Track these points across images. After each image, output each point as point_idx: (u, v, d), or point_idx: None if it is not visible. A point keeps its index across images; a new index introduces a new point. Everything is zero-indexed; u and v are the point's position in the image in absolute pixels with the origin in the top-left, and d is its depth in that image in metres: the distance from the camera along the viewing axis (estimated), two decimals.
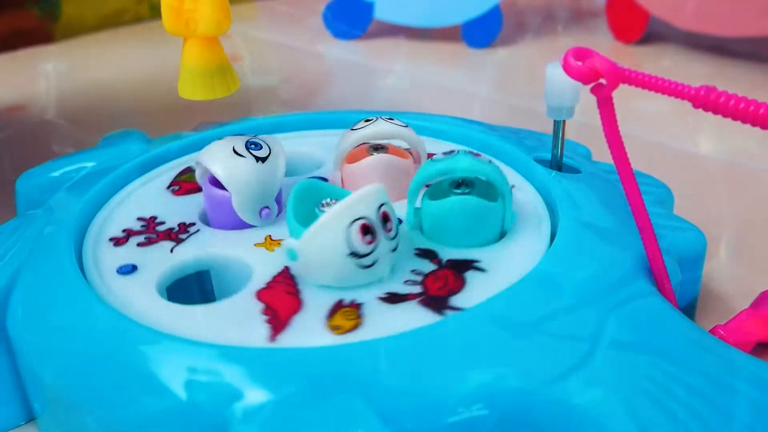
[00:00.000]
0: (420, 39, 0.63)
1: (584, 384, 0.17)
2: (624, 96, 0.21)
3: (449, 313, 0.19)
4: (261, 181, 0.23)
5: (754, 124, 0.17)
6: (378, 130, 0.25)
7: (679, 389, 0.17)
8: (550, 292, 0.20)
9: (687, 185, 0.37)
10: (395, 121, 0.25)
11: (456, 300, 0.20)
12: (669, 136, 0.43)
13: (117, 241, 0.23)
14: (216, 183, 0.23)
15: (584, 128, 0.30)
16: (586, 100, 0.23)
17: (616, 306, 0.20)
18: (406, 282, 0.21)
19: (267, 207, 0.23)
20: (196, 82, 0.23)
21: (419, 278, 0.21)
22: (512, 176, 0.26)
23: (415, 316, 0.19)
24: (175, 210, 0.25)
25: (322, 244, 0.20)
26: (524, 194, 0.25)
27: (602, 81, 0.19)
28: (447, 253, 0.22)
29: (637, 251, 0.22)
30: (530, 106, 0.49)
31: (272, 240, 0.23)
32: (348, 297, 0.20)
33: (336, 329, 0.19)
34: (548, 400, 0.17)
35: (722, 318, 0.26)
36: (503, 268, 0.21)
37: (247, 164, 0.23)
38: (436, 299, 0.20)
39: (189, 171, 0.27)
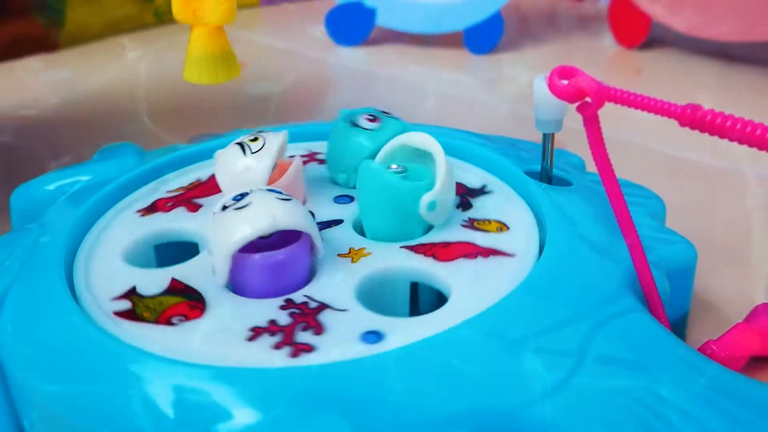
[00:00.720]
0: (422, 45, 0.63)
1: (567, 402, 0.17)
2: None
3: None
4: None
5: (741, 142, 0.17)
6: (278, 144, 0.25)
7: (664, 408, 0.17)
8: (535, 307, 0.20)
9: (681, 193, 0.37)
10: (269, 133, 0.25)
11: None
12: (662, 143, 0.43)
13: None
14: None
15: (579, 135, 0.30)
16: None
17: (602, 322, 0.20)
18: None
19: None
20: (201, 68, 0.25)
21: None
22: (502, 189, 0.26)
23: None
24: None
25: (450, 182, 0.23)
26: (513, 207, 0.25)
27: (588, 99, 0.19)
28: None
29: (627, 265, 0.22)
30: (532, 113, 0.49)
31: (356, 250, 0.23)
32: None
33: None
34: (531, 420, 0.17)
35: (716, 330, 0.26)
36: (479, 293, 0.21)
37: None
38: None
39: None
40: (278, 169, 0.25)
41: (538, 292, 0.21)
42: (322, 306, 0.20)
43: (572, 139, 0.28)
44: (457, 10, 0.61)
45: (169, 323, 0.20)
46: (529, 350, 0.19)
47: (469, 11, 0.61)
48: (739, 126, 0.17)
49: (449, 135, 0.30)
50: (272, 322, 0.20)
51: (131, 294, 0.21)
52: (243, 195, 0.21)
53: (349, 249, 0.23)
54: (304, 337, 0.19)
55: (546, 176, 0.26)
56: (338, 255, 0.23)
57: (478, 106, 0.52)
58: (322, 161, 0.29)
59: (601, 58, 0.61)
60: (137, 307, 0.21)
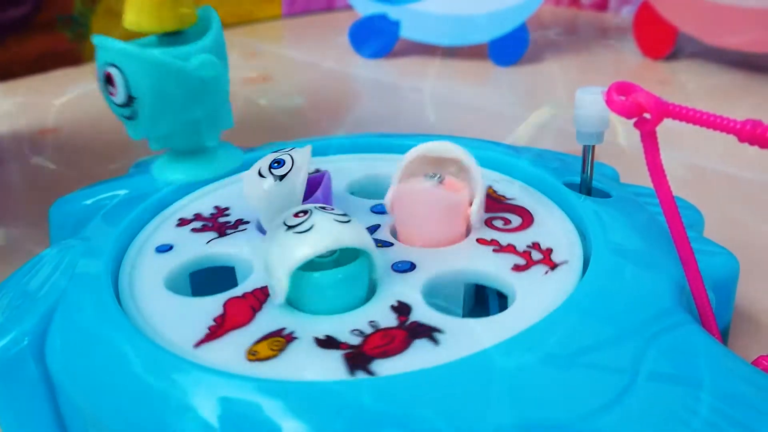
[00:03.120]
0: (446, 57, 0.63)
1: (623, 418, 0.17)
2: None
3: (359, 374, 0.18)
4: (280, 197, 0.23)
5: None
6: (435, 148, 0.25)
7: (722, 423, 0.17)
8: (586, 322, 0.20)
9: (718, 205, 0.37)
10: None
11: (382, 364, 0.19)
12: (699, 155, 0.43)
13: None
14: None
15: (611, 148, 0.30)
16: (612, 122, 0.23)
17: (654, 336, 0.19)
18: (352, 331, 0.20)
19: None
20: (142, 10, 0.21)
21: (367, 332, 0.20)
22: (542, 201, 0.26)
23: (328, 366, 0.19)
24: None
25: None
26: (554, 220, 0.25)
27: (646, 115, 0.19)
28: (422, 313, 0.21)
29: (673, 277, 0.22)
30: (557, 124, 0.48)
31: None
32: (292, 328, 0.20)
33: (251, 354, 0.19)
34: None
35: (757, 342, 0.26)
36: (535, 298, 0.21)
37: (266, 184, 0.24)
38: (361, 356, 0.19)
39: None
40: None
41: (586, 307, 0.20)
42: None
43: (602, 152, 0.28)
44: (482, 22, 0.61)
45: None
46: (581, 367, 0.18)
47: (493, 24, 0.61)
48: None
49: (483, 147, 0.30)
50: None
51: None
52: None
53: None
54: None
55: (585, 188, 0.26)
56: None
57: (503, 118, 0.52)
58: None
59: (626, 69, 0.61)
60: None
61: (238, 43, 0.71)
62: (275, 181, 0.24)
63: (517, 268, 0.22)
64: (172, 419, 0.18)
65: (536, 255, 0.23)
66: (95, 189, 0.30)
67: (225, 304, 0.21)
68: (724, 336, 0.26)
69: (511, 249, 0.23)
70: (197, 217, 0.26)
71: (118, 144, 0.49)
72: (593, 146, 0.25)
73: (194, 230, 0.26)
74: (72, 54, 0.65)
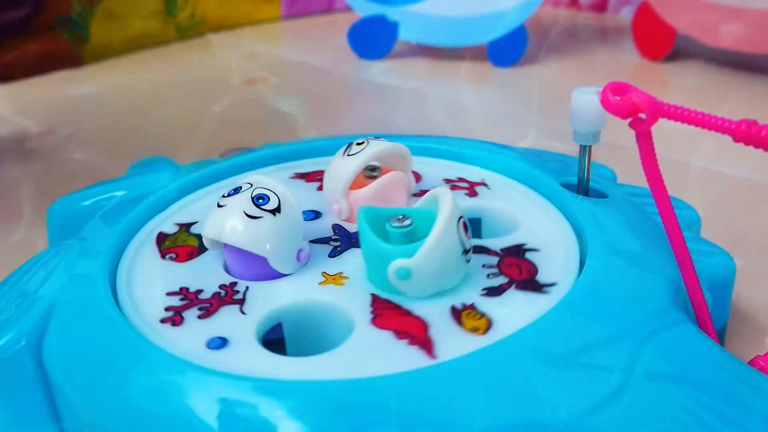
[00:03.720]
0: (445, 59, 0.64)
1: (618, 416, 0.17)
2: None
3: (550, 290, 0.21)
4: (287, 231, 0.22)
5: None
6: (374, 152, 0.25)
7: (717, 422, 0.17)
8: (582, 321, 0.20)
9: (714, 205, 0.37)
10: (382, 140, 0.25)
11: (542, 278, 0.21)
12: (696, 155, 0.43)
13: (173, 322, 0.21)
14: None
15: (609, 148, 0.30)
16: (610, 122, 0.23)
17: (650, 335, 0.19)
18: (488, 276, 0.22)
19: (301, 249, 0.23)
20: None
21: (494, 270, 0.22)
22: (538, 201, 0.26)
23: (525, 300, 0.21)
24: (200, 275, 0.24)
25: (444, 250, 0.20)
26: (551, 220, 0.25)
27: (641, 115, 0.19)
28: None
29: (669, 277, 0.22)
30: (557, 125, 0.49)
31: (331, 275, 0.23)
32: (452, 302, 0.21)
33: (475, 330, 0.20)
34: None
35: (753, 342, 0.26)
36: (531, 297, 0.21)
37: (267, 223, 0.22)
38: (527, 282, 0.21)
39: (180, 229, 0.26)
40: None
41: (582, 306, 0.20)
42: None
43: (599, 153, 0.28)
44: (481, 23, 0.61)
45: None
46: (577, 366, 0.18)
47: (492, 25, 0.61)
48: None
49: (481, 147, 0.30)
50: None
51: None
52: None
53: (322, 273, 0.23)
54: None
55: (582, 188, 0.26)
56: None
57: (502, 119, 0.52)
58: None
59: (625, 70, 0.61)
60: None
61: (237, 45, 0.71)
62: (274, 216, 0.22)
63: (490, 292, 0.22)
64: (169, 419, 0.18)
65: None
66: (93, 190, 0.30)
67: (379, 325, 0.21)
68: (720, 336, 0.26)
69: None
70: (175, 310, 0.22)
71: (116, 146, 0.49)
72: (590, 146, 0.25)
73: (201, 317, 0.22)
74: (70, 56, 0.65)
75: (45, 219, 0.30)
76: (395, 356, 0.19)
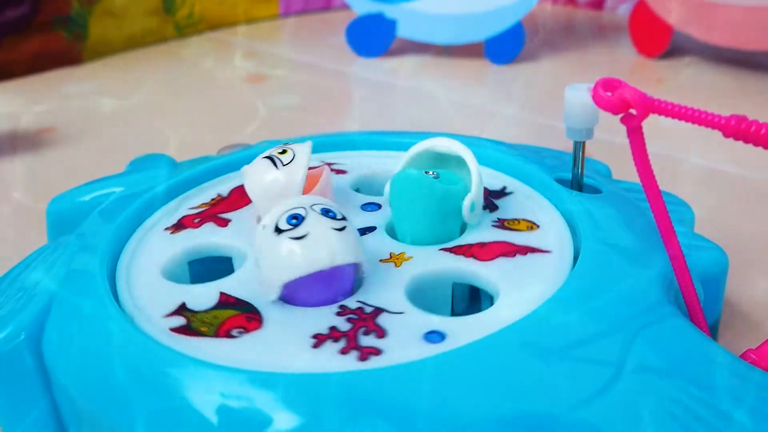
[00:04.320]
0: (443, 56, 0.64)
1: (609, 409, 0.17)
2: None
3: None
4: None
5: None
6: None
7: (708, 414, 0.17)
8: (574, 315, 0.20)
9: (708, 201, 0.37)
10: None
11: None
12: (690, 151, 0.43)
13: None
14: None
15: (604, 145, 0.30)
16: (605, 118, 0.23)
17: (641, 329, 0.19)
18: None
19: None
20: None
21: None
22: (533, 197, 0.26)
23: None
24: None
25: (481, 183, 0.24)
26: (546, 215, 0.25)
27: (632, 111, 0.19)
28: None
29: (661, 271, 0.22)
30: (554, 122, 0.49)
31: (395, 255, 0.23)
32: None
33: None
34: (574, 425, 0.17)
35: (746, 336, 0.26)
36: (524, 291, 0.21)
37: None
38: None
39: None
40: (308, 179, 0.25)
41: (575, 300, 0.21)
42: (378, 310, 0.21)
43: (595, 149, 0.29)
44: (478, 21, 0.61)
45: (229, 335, 0.20)
46: (569, 360, 0.19)
47: (489, 22, 0.61)
48: None
49: (478, 144, 0.30)
50: (333, 328, 0.20)
51: (183, 310, 0.21)
52: (297, 217, 0.21)
53: (390, 254, 0.23)
54: (367, 340, 0.19)
55: (577, 184, 0.26)
56: (381, 261, 0.23)
57: (500, 115, 0.52)
58: (338, 171, 0.29)
59: (622, 67, 0.61)
60: (192, 323, 0.21)
61: (235, 43, 0.71)
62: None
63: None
64: (168, 413, 0.18)
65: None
66: (92, 186, 0.30)
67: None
68: (713, 330, 0.26)
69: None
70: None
71: (115, 143, 0.49)
72: (583, 142, 0.26)
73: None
74: (69, 54, 0.65)
75: (44, 215, 0.30)
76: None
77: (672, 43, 0.61)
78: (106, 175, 0.31)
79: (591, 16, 0.77)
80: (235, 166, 0.30)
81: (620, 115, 0.19)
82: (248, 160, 0.30)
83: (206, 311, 0.21)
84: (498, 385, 0.18)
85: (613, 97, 0.19)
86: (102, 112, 0.55)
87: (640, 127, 0.19)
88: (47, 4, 0.63)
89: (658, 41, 0.61)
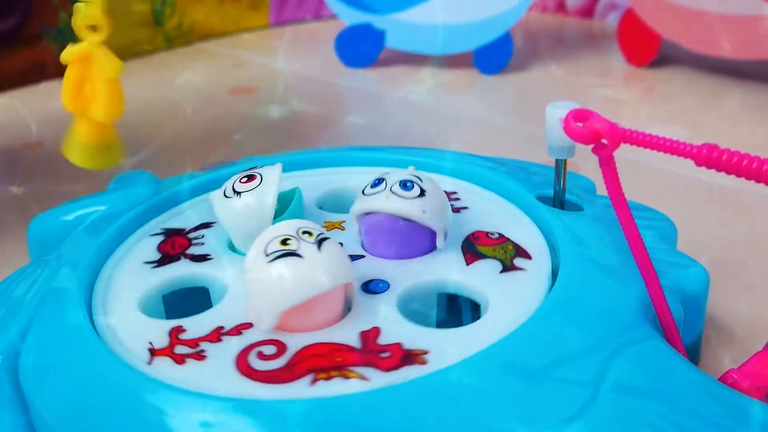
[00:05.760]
0: (432, 66, 0.64)
1: (586, 430, 0.17)
2: (634, 122, 0.21)
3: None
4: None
5: (758, 181, 0.17)
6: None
7: None
8: (550, 336, 0.20)
9: (693, 213, 0.37)
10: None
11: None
12: (675, 163, 0.43)
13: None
14: None
15: (589, 158, 0.30)
16: None
17: (618, 350, 0.20)
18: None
19: None
20: (81, 153, 0.26)
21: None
22: (514, 213, 0.26)
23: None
24: None
25: None
26: (526, 232, 0.25)
27: (603, 141, 0.19)
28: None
29: (641, 291, 0.22)
30: (543, 133, 0.49)
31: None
32: None
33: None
34: None
35: (730, 354, 0.26)
36: (504, 311, 0.21)
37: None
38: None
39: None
40: None
41: (553, 320, 0.21)
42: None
43: (584, 162, 0.29)
44: (467, 31, 0.61)
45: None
46: (546, 380, 0.19)
47: (478, 32, 0.61)
48: (755, 165, 0.17)
49: (462, 160, 0.30)
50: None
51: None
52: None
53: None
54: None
55: (558, 201, 0.26)
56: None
57: (489, 126, 0.52)
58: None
59: (611, 76, 0.61)
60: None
61: (224, 54, 0.71)
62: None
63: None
64: None
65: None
66: (73, 205, 0.30)
67: None
68: (695, 348, 0.26)
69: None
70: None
71: None
72: (565, 160, 0.26)
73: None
74: (58, 67, 0.65)
75: (26, 234, 0.30)
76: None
77: (660, 52, 0.61)
78: (95, 191, 0.31)
79: (580, 24, 0.77)
80: (216, 183, 0.29)
81: (591, 146, 0.19)
82: (230, 176, 0.29)
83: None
84: (477, 409, 0.18)
85: (584, 127, 0.19)
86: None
87: (612, 157, 0.19)
88: (35, 16, 0.63)
89: (647, 50, 0.61)
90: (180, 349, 0.21)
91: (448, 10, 0.61)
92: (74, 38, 0.29)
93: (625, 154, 0.20)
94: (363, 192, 0.24)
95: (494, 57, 0.62)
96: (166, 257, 0.25)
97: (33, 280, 0.25)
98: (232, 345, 0.20)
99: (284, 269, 0.20)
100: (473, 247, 0.24)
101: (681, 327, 0.22)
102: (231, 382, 0.19)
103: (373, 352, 0.20)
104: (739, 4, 0.52)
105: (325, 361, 0.19)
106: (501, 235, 0.25)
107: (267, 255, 0.20)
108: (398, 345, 0.20)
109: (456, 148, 0.34)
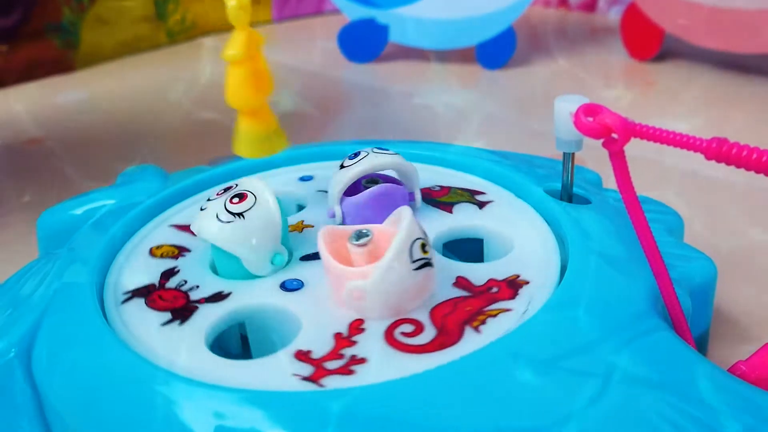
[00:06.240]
0: (435, 61, 0.64)
1: (596, 422, 0.18)
2: (637, 116, 0.21)
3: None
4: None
5: (767, 174, 0.17)
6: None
7: (693, 428, 0.18)
8: (562, 327, 0.20)
9: (700, 207, 0.37)
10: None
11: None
12: (682, 157, 0.43)
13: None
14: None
15: (595, 152, 0.30)
16: None
17: (628, 341, 0.20)
18: None
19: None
20: (253, 145, 0.26)
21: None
22: (522, 207, 0.27)
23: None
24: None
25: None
26: (534, 227, 0.25)
27: (614, 136, 0.19)
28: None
29: (649, 284, 0.22)
30: (547, 127, 0.49)
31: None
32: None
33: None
34: None
35: (736, 346, 0.26)
36: (514, 303, 0.21)
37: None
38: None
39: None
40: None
41: (563, 312, 0.21)
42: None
43: (590, 155, 0.29)
44: (470, 26, 0.61)
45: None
46: (557, 371, 0.19)
47: (481, 27, 0.61)
48: (765, 158, 0.17)
49: (469, 154, 0.30)
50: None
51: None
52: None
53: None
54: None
55: (566, 195, 0.27)
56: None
57: (492, 121, 0.52)
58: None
59: (614, 71, 0.61)
60: None
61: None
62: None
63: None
64: (156, 430, 0.18)
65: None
66: (82, 199, 0.30)
67: None
68: (703, 340, 0.26)
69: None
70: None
71: (106, 153, 0.49)
72: (573, 153, 0.26)
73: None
74: (61, 62, 0.65)
75: (35, 228, 0.30)
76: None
77: (663, 47, 0.61)
78: (99, 185, 0.31)
79: (583, 18, 0.77)
80: (225, 177, 0.30)
81: (601, 140, 0.20)
82: (239, 171, 0.30)
83: None
84: (489, 400, 0.18)
85: (594, 122, 0.19)
86: (95, 120, 0.55)
87: (622, 152, 0.19)
88: (38, 12, 0.63)
89: (650, 44, 0.61)
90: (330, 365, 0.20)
91: (451, 5, 0.61)
92: (76, 33, 0.28)
93: (630, 150, 0.20)
94: (342, 165, 0.25)
95: (497, 52, 0.62)
96: (177, 312, 0.22)
97: (44, 274, 0.25)
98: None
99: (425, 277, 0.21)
100: (436, 201, 0.26)
101: (689, 319, 0.22)
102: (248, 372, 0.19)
103: (483, 292, 0.22)
104: None
105: (462, 314, 0.21)
106: (441, 186, 0.28)
107: (413, 261, 0.21)
108: (490, 280, 0.22)
109: (459, 142, 0.35)
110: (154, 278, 0.24)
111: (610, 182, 0.31)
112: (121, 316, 0.22)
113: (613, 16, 0.76)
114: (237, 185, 0.24)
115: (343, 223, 0.25)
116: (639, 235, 0.20)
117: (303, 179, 0.29)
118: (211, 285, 0.23)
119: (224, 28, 0.75)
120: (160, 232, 0.26)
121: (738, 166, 0.17)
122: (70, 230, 0.28)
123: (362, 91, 0.59)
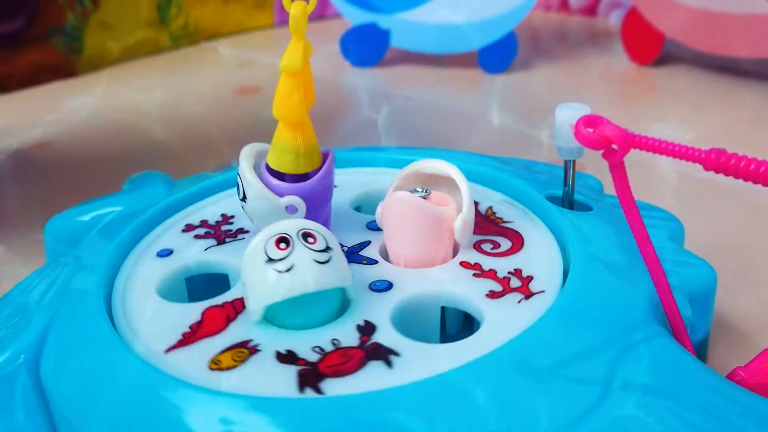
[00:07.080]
0: (436, 65, 0.64)
1: (597, 429, 0.18)
2: (638, 120, 0.21)
3: (309, 392, 0.19)
4: None
5: (765, 185, 0.17)
6: (428, 165, 0.25)
7: None
8: (563, 335, 0.20)
9: (700, 213, 0.38)
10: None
11: (332, 384, 0.19)
12: (683, 164, 0.43)
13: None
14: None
15: (597, 158, 0.31)
16: None
17: (628, 348, 0.20)
18: (314, 348, 0.21)
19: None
20: (283, 158, 0.26)
21: (327, 349, 0.20)
22: (523, 214, 0.27)
23: (281, 381, 0.19)
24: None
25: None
26: (536, 233, 0.25)
27: (614, 147, 0.20)
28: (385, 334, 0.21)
29: (650, 290, 0.22)
30: (547, 132, 0.49)
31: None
32: (258, 341, 0.21)
33: (214, 363, 0.20)
34: None
35: (737, 353, 0.27)
36: (515, 310, 0.22)
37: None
38: (314, 374, 0.20)
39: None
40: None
41: (563, 319, 0.21)
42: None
43: (590, 160, 0.29)
44: (471, 30, 0.61)
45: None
46: (557, 379, 0.19)
47: (483, 31, 0.61)
48: (763, 169, 0.17)
49: (467, 160, 0.30)
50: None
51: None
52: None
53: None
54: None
55: (567, 201, 0.27)
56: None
57: (494, 125, 0.52)
58: None
59: (614, 75, 0.61)
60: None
61: (229, 54, 0.71)
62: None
63: (492, 294, 0.22)
64: None
65: (515, 282, 0.23)
66: (90, 205, 0.30)
67: (203, 312, 0.22)
68: (703, 346, 0.26)
69: (491, 275, 0.23)
70: (203, 223, 0.27)
71: (113, 158, 0.49)
72: (574, 160, 0.26)
73: (197, 237, 0.26)
74: (65, 67, 0.65)
75: (42, 233, 0.30)
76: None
77: (664, 51, 0.61)
78: (104, 191, 0.31)
79: (584, 23, 0.77)
80: (230, 183, 0.30)
81: (601, 151, 0.20)
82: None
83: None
84: (489, 407, 0.18)
85: (594, 134, 0.20)
86: (99, 125, 0.55)
87: (622, 163, 0.20)
88: (42, 17, 0.63)
89: (650, 48, 0.61)
90: None
91: (453, 10, 0.62)
92: (79, 38, 0.28)
93: (631, 156, 0.21)
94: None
95: (498, 56, 0.62)
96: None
97: (52, 280, 0.25)
98: None
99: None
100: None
101: (689, 325, 0.23)
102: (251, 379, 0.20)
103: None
104: (744, 2, 0.53)
105: None
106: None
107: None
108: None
109: (461, 148, 0.35)
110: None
111: (611, 188, 0.31)
112: (128, 318, 0.22)
113: (614, 20, 0.76)
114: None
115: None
116: (639, 245, 0.20)
117: None
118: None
119: (227, 32, 0.76)
120: (168, 237, 0.27)
121: (737, 177, 0.18)
122: (78, 236, 0.28)
123: (364, 96, 0.60)
